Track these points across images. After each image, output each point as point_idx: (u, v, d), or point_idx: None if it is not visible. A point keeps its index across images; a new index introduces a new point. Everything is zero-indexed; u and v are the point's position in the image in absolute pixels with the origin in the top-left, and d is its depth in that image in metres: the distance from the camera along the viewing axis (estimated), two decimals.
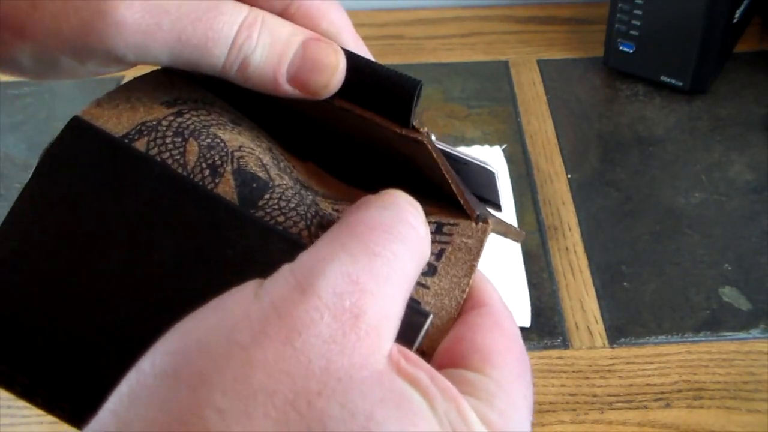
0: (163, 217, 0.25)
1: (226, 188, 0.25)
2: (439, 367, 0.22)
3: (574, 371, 0.54)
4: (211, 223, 0.25)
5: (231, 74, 0.26)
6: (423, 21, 0.85)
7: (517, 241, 0.31)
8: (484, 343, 0.23)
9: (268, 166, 0.27)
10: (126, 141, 0.26)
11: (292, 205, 0.25)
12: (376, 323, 0.19)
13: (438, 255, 0.25)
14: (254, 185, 0.26)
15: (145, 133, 0.26)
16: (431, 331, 0.23)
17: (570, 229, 0.63)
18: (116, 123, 0.27)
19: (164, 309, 0.21)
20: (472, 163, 0.28)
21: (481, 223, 0.26)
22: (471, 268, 0.26)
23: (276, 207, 0.25)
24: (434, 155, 0.26)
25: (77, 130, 0.26)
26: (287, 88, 0.26)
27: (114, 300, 0.24)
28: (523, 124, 0.72)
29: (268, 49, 0.25)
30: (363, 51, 0.28)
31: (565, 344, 0.55)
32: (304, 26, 0.27)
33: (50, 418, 0.48)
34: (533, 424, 0.53)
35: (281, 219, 0.25)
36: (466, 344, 0.23)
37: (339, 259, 0.20)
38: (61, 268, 0.25)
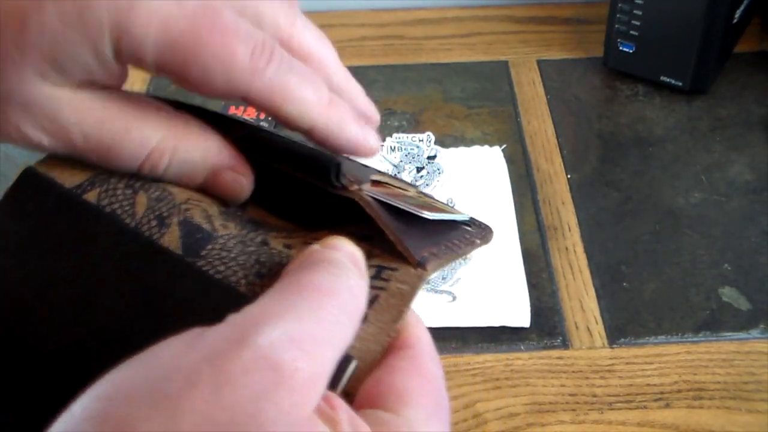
0: (112, 267, 0.26)
1: (172, 238, 0.26)
2: (359, 407, 0.23)
3: (573, 371, 0.54)
4: (155, 272, 0.26)
5: (145, 173, 0.28)
6: (423, 21, 0.85)
7: (485, 243, 0.31)
8: (401, 385, 0.24)
9: (212, 217, 0.28)
10: (78, 192, 0.27)
11: (233, 255, 0.26)
12: (309, 382, 0.20)
13: (371, 302, 0.25)
14: (198, 236, 0.27)
15: (97, 185, 0.28)
16: (356, 374, 0.24)
17: (570, 229, 0.63)
18: (70, 174, 0.28)
19: (111, 355, 0.21)
20: (432, 218, 0.29)
21: (419, 269, 0.26)
22: (400, 313, 0.26)
23: (217, 257, 0.26)
24: (368, 212, 0.27)
25: (31, 180, 0.27)
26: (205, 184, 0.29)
27: (64, 346, 0.25)
28: (523, 124, 0.72)
29: (176, 173, 0.28)
30: (348, 81, 0.31)
31: (565, 344, 0.55)
32: (299, 54, 0.29)
33: None
34: (533, 424, 0.53)
35: (221, 268, 0.26)
36: (385, 386, 0.24)
37: (284, 319, 0.21)
38: (13, 315, 0.26)
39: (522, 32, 0.83)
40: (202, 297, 0.25)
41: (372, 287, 0.25)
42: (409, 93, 0.75)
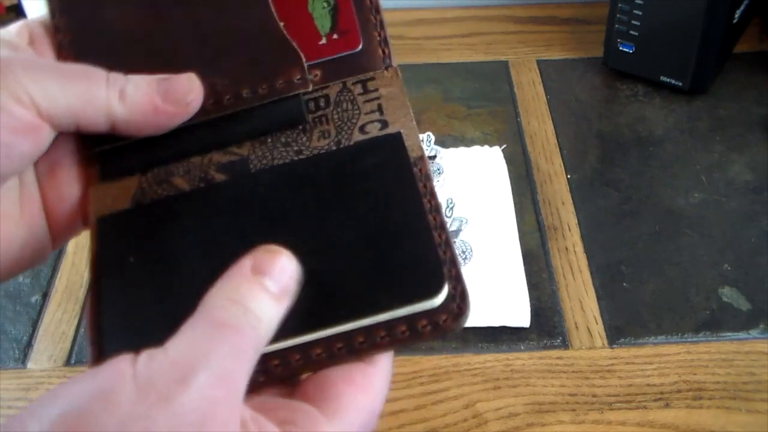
0: None
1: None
2: (298, 395, 0.27)
3: (573, 371, 0.54)
4: None
5: (116, 108, 0.30)
6: (423, 21, 0.85)
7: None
8: (346, 397, 0.27)
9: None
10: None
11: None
12: (233, 404, 0.24)
13: (380, 110, 0.31)
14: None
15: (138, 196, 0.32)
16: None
17: (570, 229, 0.63)
18: (112, 202, 0.32)
19: None
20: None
21: (390, 69, 0.32)
22: (406, 106, 0.32)
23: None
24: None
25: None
26: (167, 107, 0.31)
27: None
28: (523, 124, 0.72)
29: (138, 81, 0.31)
30: None
31: (565, 344, 0.55)
32: None
33: None
34: (533, 424, 0.53)
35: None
36: (332, 390, 0.27)
37: (212, 362, 0.24)
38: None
39: (522, 32, 0.83)
40: None
41: (368, 100, 0.32)
42: (409, 93, 0.75)
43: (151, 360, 0.24)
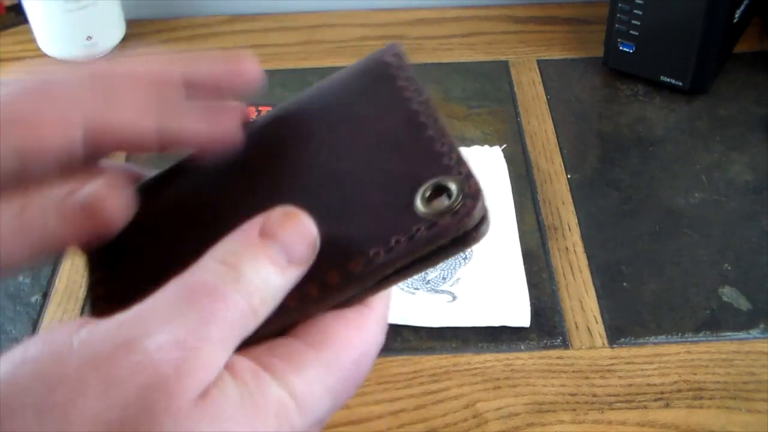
0: None
1: None
2: (293, 335, 0.25)
3: (574, 371, 0.54)
4: None
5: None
6: (423, 21, 0.85)
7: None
8: (336, 333, 0.25)
9: None
10: None
11: None
12: (191, 374, 0.22)
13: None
14: None
15: None
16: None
17: (570, 229, 0.63)
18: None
19: None
20: None
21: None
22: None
23: None
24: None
25: None
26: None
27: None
28: (523, 124, 0.72)
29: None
30: None
31: (565, 344, 0.55)
32: None
33: None
34: (533, 424, 0.53)
35: None
36: (323, 324, 0.25)
37: (172, 324, 0.22)
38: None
39: (522, 32, 0.83)
40: None
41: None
42: None
43: (100, 324, 0.22)
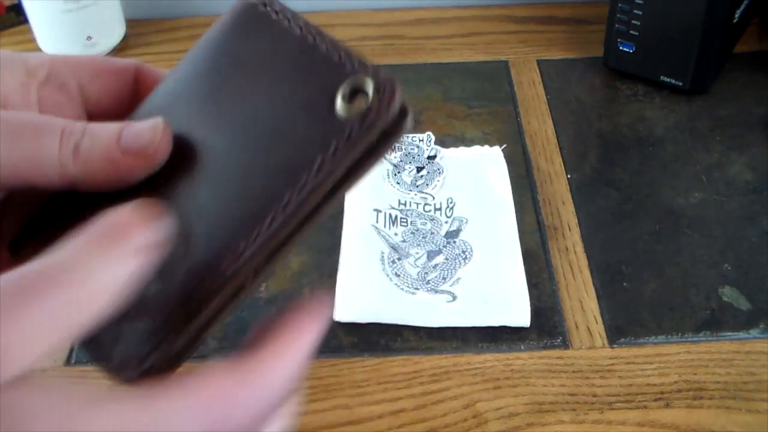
0: None
1: None
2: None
3: (574, 371, 0.54)
4: None
5: (70, 168, 0.27)
6: (423, 21, 0.85)
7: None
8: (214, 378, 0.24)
9: None
10: None
11: None
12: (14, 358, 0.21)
13: None
14: None
15: None
16: None
17: (570, 229, 0.63)
18: None
19: None
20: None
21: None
22: None
23: None
24: None
25: None
26: (128, 160, 0.28)
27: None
28: (523, 124, 0.72)
29: (97, 132, 0.27)
30: None
31: (565, 344, 0.55)
32: None
33: None
34: (533, 424, 0.53)
35: None
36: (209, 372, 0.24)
37: None
38: None
39: (522, 32, 0.83)
40: None
41: None
42: (409, 93, 0.75)
43: None
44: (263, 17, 0.30)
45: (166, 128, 0.28)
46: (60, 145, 0.27)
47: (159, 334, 0.25)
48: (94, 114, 0.32)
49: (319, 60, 0.28)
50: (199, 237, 0.26)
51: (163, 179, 0.28)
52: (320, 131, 0.26)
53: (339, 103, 0.26)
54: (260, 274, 0.26)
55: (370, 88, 0.26)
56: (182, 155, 0.29)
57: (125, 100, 0.32)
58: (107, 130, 0.28)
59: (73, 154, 0.27)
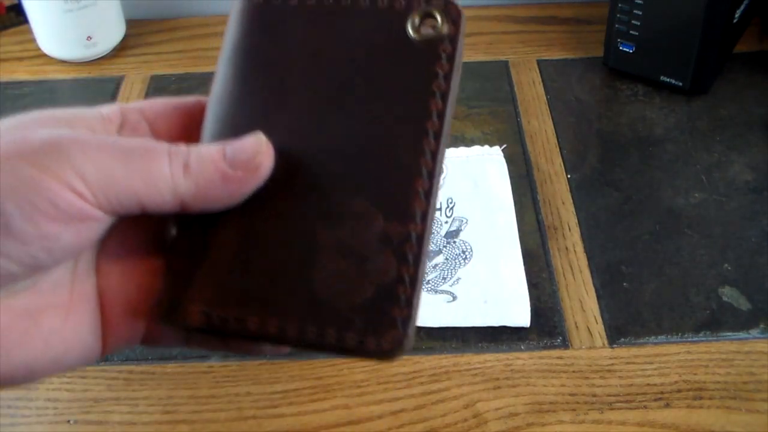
0: None
1: None
2: None
3: (573, 371, 0.54)
4: None
5: (182, 184, 0.29)
6: None
7: None
8: None
9: None
10: None
11: None
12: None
13: None
14: None
15: None
16: None
17: (570, 229, 0.63)
18: None
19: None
20: None
21: None
22: None
23: None
24: None
25: None
26: (236, 173, 0.29)
27: None
28: (523, 124, 0.72)
29: (202, 150, 0.29)
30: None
31: (565, 344, 0.55)
32: None
33: (50, 417, 0.48)
34: (533, 424, 0.53)
35: None
36: None
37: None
38: None
39: (522, 32, 0.83)
40: None
41: None
42: None
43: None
44: (274, 11, 0.33)
45: (267, 139, 0.30)
46: (170, 164, 0.28)
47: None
48: None
49: (373, 12, 0.32)
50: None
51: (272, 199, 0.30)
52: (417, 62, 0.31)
53: (412, 33, 0.31)
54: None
55: (436, 12, 0.31)
56: (287, 164, 0.30)
57: (194, 136, 0.33)
58: (210, 147, 0.30)
59: (183, 171, 0.28)
